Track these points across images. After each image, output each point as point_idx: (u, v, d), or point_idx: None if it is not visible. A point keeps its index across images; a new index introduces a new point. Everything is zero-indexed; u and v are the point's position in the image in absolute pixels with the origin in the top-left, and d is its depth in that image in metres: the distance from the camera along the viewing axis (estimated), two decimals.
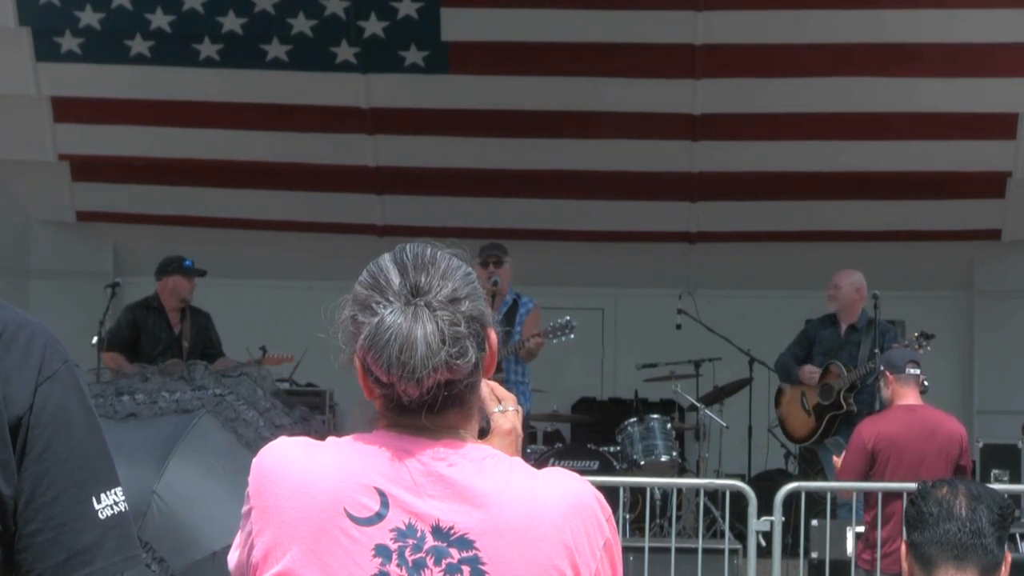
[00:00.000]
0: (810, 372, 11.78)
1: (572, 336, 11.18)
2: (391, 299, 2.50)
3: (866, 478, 9.37)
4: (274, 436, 4.21)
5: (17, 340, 2.41)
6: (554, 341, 11.13)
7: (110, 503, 2.42)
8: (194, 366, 4.35)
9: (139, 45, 13.25)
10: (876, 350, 11.26)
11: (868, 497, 9.42)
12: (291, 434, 4.00)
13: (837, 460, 9.59)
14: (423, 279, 2.51)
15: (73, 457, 2.39)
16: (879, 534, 9.23)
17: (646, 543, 9.85)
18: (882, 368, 9.57)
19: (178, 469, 4.09)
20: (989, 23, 12.88)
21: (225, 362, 11.47)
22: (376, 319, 2.49)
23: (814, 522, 10.00)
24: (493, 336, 2.58)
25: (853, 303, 11.75)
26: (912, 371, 9.32)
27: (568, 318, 11.11)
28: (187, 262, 12.11)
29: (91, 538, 2.38)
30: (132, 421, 4.17)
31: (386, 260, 2.56)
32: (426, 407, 2.50)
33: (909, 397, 9.34)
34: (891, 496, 9.13)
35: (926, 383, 9.51)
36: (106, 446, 2.47)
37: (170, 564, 4.00)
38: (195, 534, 4.00)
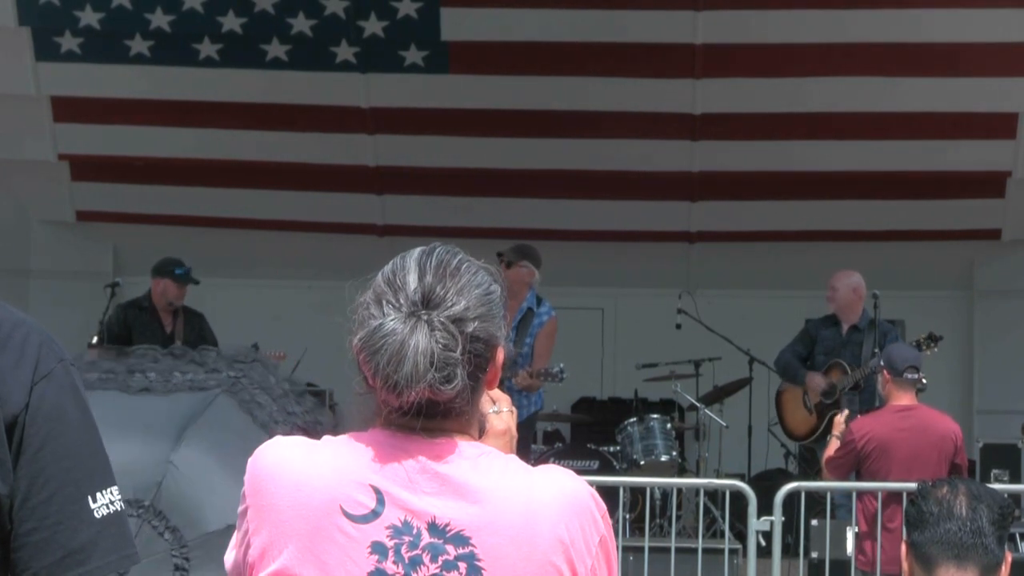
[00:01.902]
0: (816, 383, 11.75)
1: (559, 384, 10.94)
2: (400, 302, 2.49)
3: (857, 476, 9.42)
4: (286, 421, 4.12)
5: (13, 339, 2.41)
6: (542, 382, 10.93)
7: (106, 502, 2.41)
8: (206, 351, 4.34)
9: (139, 45, 13.25)
10: (876, 350, 11.27)
11: (860, 496, 9.45)
12: (302, 422, 3.93)
13: (839, 421, 9.64)
14: (438, 289, 2.49)
15: (69, 456, 2.39)
16: (879, 533, 9.24)
17: (646, 543, 9.85)
18: (881, 364, 9.60)
19: (195, 442, 4.07)
20: (990, 23, 12.87)
21: None
22: (376, 322, 2.48)
23: (814, 522, 10.00)
24: (500, 356, 2.56)
25: (851, 304, 11.76)
26: (910, 376, 9.35)
27: (561, 367, 10.75)
28: (179, 270, 12.11)
29: (86, 537, 2.38)
30: (146, 395, 4.16)
31: (411, 259, 2.54)
32: (411, 414, 2.49)
33: (904, 399, 9.40)
34: (888, 497, 9.16)
35: (924, 381, 9.54)
36: (102, 445, 2.46)
37: (183, 534, 3.97)
38: (209, 506, 3.98)
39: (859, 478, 9.52)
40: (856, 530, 9.57)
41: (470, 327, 2.49)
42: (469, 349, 2.48)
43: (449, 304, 2.48)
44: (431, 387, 2.45)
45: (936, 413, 9.62)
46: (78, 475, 2.39)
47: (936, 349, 10.96)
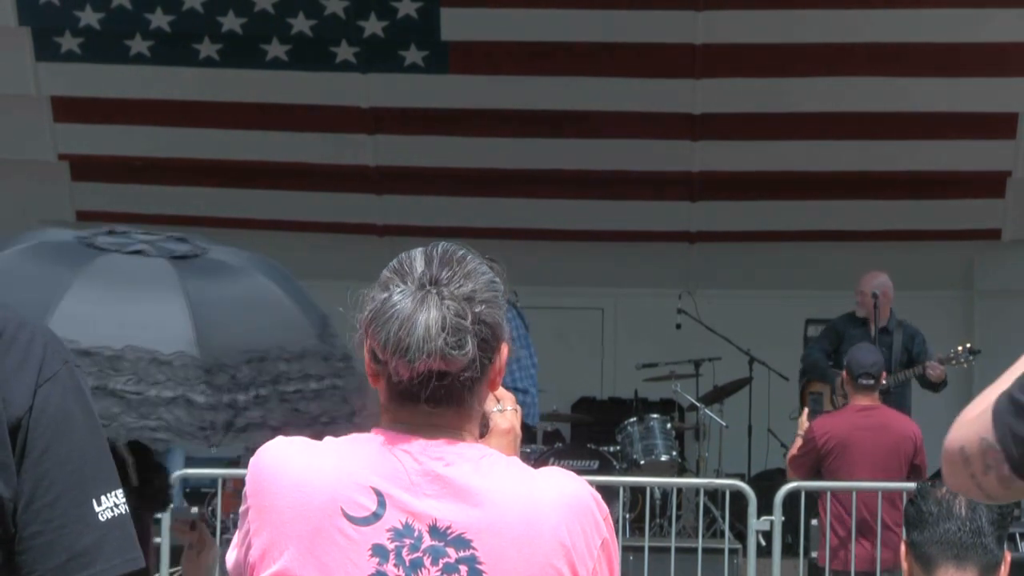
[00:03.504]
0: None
1: None
2: (408, 283, 2.51)
3: (816, 474, 9.60)
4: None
5: (17, 341, 2.40)
6: None
7: (110, 505, 2.41)
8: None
9: (139, 45, 13.25)
10: (880, 348, 11.31)
11: (821, 495, 9.59)
12: None
13: (803, 421, 9.77)
14: (445, 273, 2.52)
15: (73, 459, 2.38)
16: (862, 530, 9.32)
17: (646, 543, 9.86)
18: (845, 362, 9.78)
19: None
20: (989, 23, 12.88)
21: None
22: (385, 295, 2.51)
23: (814, 522, 10.02)
24: (505, 351, 2.57)
25: (880, 307, 11.72)
26: (864, 382, 9.59)
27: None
28: None
29: (91, 540, 2.37)
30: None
31: (417, 251, 2.58)
32: (419, 395, 2.50)
33: (864, 400, 9.65)
34: (847, 495, 9.35)
35: (884, 382, 9.77)
36: (107, 447, 2.46)
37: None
38: None
39: (819, 477, 9.69)
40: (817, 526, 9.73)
41: (478, 308, 2.50)
42: (477, 332, 2.50)
43: (457, 284, 2.51)
44: (443, 354, 2.46)
45: (897, 414, 9.92)
46: (82, 478, 2.38)
47: (973, 361, 11.14)
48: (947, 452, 2.51)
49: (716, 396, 13.32)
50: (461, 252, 2.58)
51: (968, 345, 11.32)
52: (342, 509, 2.46)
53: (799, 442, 9.67)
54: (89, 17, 13.04)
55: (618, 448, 11.94)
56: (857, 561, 9.38)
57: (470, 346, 2.48)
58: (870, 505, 9.33)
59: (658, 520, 11.35)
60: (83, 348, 3.64)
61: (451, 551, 2.45)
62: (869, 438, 9.47)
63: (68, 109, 13.85)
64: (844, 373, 9.77)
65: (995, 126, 13.69)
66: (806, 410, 10.17)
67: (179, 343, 3.02)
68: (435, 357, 2.46)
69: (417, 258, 2.56)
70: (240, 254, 4.02)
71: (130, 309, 3.81)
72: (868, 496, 9.36)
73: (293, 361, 3.59)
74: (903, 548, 3.83)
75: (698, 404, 12.92)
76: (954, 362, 11.45)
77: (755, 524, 9.43)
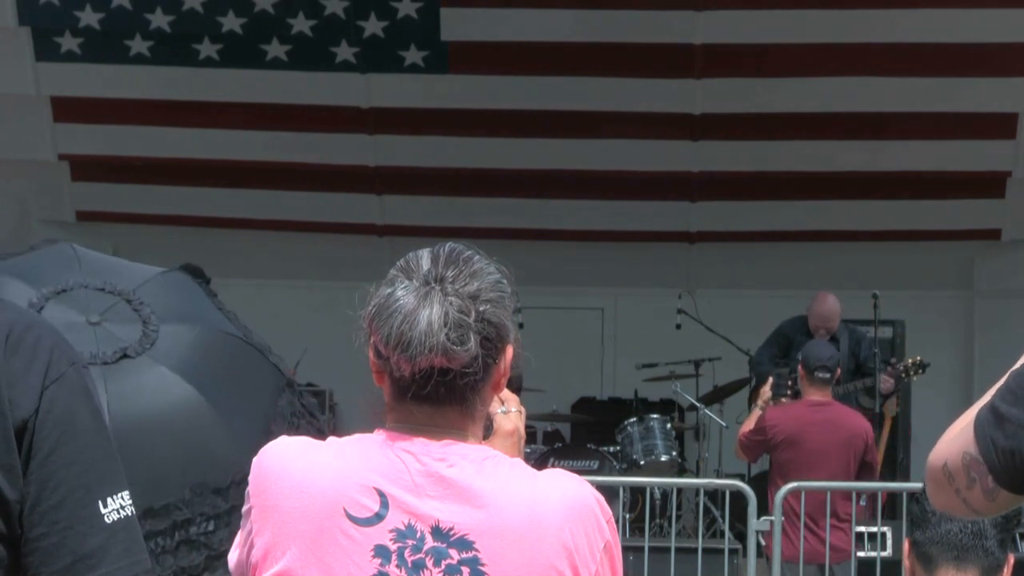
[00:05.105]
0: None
1: None
2: (413, 280, 2.53)
3: (770, 464, 9.89)
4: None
5: (24, 342, 2.40)
6: None
7: (116, 507, 2.41)
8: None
9: (139, 45, 13.25)
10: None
11: (772, 485, 9.72)
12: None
13: (764, 389, 10.05)
14: (450, 271, 2.54)
15: (79, 460, 2.38)
16: (838, 520, 9.46)
17: (646, 543, 9.86)
18: (799, 358, 10.00)
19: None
20: (989, 23, 12.87)
21: None
22: (389, 291, 2.52)
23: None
24: (509, 353, 2.58)
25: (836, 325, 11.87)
26: (820, 375, 9.73)
27: None
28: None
29: (97, 542, 2.37)
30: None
31: (424, 250, 2.60)
32: (423, 394, 2.50)
33: (817, 395, 9.77)
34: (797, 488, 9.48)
35: (838, 380, 9.99)
36: (113, 449, 2.46)
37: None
38: None
39: (770, 466, 9.92)
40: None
41: (482, 307, 2.51)
42: (481, 330, 2.50)
43: (463, 283, 2.52)
44: (445, 350, 2.47)
45: (848, 410, 10.04)
46: (88, 480, 2.38)
47: (923, 373, 11.28)
48: (931, 469, 2.51)
49: (716, 396, 13.32)
50: (468, 252, 2.59)
51: (919, 359, 11.46)
52: (345, 509, 2.47)
53: (755, 415, 9.87)
54: (89, 17, 13.04)
55: (618, 448, 11.93)
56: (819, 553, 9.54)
57: (472, 343, 2.49)
58: (832, 501, 9.46)
59: (658, 520, 11.35)
60: (155, 509, 3.21)
61: (453, 552, 2.45)
62: (819, 433, 9.63)
63: (68, 109, 13.85)
64: (800, 367, 9.90)
65: (995, 126, 13.69)
66: (771, 380, 10.29)
67: (226, 458, 2.90)
68: (437, 352, 2.47)
69: (424, 257, 2.57)
70: (159, 287, 3.46)
71: (173, 441, 3.32)
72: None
73: (284, 410, 3.31)
74: (906, 546, 3.83)
75: (698, 404, 12.92)
76: (904, 375, 11.57)
77: (755, 524, 9.44)
